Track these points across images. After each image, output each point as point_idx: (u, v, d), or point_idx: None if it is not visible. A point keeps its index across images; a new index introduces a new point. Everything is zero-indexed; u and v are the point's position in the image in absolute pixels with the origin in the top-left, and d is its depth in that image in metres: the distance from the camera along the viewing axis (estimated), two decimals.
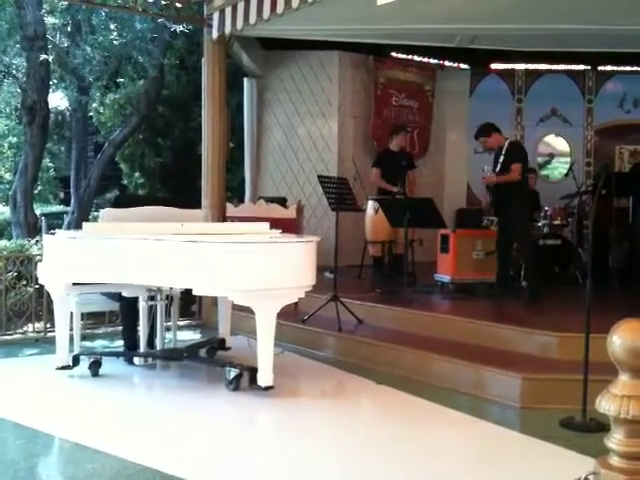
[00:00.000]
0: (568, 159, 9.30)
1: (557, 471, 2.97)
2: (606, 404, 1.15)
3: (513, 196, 5.97)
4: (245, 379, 4.37)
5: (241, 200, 9.10)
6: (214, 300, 5.82)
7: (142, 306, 4.73)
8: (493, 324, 5.21)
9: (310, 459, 3.38)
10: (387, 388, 4.59)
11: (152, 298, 4.75)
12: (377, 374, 4.86)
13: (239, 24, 6.06)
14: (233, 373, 4.38)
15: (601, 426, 3.51)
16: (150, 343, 4.89)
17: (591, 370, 3.73)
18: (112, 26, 9.55)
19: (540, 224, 7.04)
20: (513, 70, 9.59)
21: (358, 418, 4.14)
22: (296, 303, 5.76)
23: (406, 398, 4.40)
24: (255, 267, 4.09)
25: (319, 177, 6.19)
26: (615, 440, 1.15)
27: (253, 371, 4.27)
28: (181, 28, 8.97)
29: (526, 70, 9.56)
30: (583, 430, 3.68)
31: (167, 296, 4.93)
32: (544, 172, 9.34)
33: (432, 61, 9.36)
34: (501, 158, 5.98)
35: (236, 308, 5.05)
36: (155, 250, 4.23)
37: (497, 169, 6.05)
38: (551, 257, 7.09)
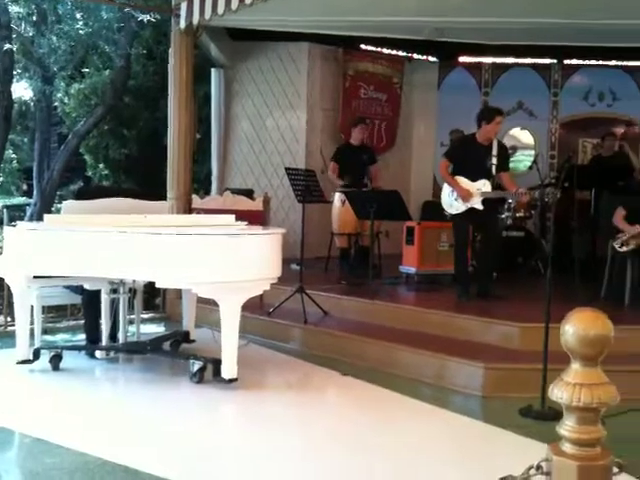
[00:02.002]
0: (533, 152, 9.40)
1: (516, 458, 2.97)
2: (559, 392, 1.17)
3: (498, 205, 5.98)
4: (209, 372, 4.35)
5: (208, 192, 9.04)
6: (178, 293, 5.78)
7: (104, 299, 4.67)
8: (457, 315, 5.28)
9: (275, 451, 3.37)
10: (352, 379, 4.61)
11: (114, 291, 4.70)
12: (343, 365, 4.88)
13: (207, 14, 6.01)
14: (197, 366, 4.36)
15: (559, 414, 3.52)
16: (113, 336, 4.83)
17: (550, 359, 3.79)
18: (78, 15, 9.40)
19: (504, 216, 7.11)
20: (480, 63, 9.65)
21: (323, 409, 4.14)
22: (262, 295, 5.75)
23: (371, 389, 4.44)
24: (218, 259, 4.06)
25: (286, 169, 6.18)
26: (567, 427, 1.17)
27: (217, 363, 4.25)
28: (148, 18, 8.83)
29: (493, 64, 9.63)
30: (541, 418, 3.75)
31: (130, 289, 4.87)
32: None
33: (401, 53, 9.38)
34: (493, 159, 5.65)
35: (201, 301, 5.03)
36: (117, 242, 4.17)
37: (492, 171, 5.66)
38: (515, 248, 7.19)
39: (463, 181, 5.66)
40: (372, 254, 6.26)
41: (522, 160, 9.55)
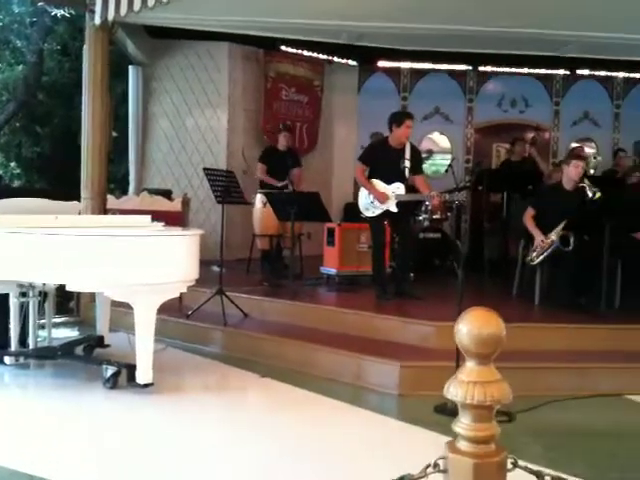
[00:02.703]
0: (449, 156, 9.67)
1: (430, 455, 3.08)
2: (454, 390, 1.19)
3: (412, 208, 6.12)
4: (123, 377, 4.24)
5: (125, 192, 8.81)
6: (92, 296, 5.60)
7: (13, 303, 4.50)
8: (375, 315, 5.35)
9: (190, 453, 3.32)
10: (271, 381, 4.61)
11: (24, 294, 4.52)
12: (262, 367, 4.86)
13: (122, 10, 5.84)
14: (110, 371, 4.24)
15: None
16: (22, 341, 4.64)
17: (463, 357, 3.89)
18: None
19: (421, 218, 7.28)
20: (399, 68, 9.86)
21: (241, 411, 4.11)
22: (181, 297, 5.69)
23: (289, 389, 4.45)
24: (130, 261, 3.95)
25: (205, 169, 6.10)
26: (462, 425, 1.20)
27: (132, 368, 4.16)
28: (62, 13, 8.53)
29: (411, 69, 9.86)
30: (456, 415, 3.82)
31: (40, 292, 4.69)
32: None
33: (321, 56, 9.44)
34: (406, 162, 5.73)
35: (116, 304, 4.88)
36: (25, 244, 4.00)
37: (406, 174, 5.74)
38: (431, 250, 7.37)
39: (378, 184, 5.77)
40: (292, 255, 6.27)
41: (437, 164, 9.82)
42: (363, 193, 5.85)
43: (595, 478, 3.04)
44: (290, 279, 6.11)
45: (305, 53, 9.24)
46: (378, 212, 5.76)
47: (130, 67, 8.76)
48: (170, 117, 8.82)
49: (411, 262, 6.38)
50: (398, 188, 5.71)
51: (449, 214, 7.69)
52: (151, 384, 4.15)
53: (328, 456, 3.34)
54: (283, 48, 8.98)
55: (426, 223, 7.41)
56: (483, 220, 8.05)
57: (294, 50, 9.09)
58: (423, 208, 7.38)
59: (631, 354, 4.73)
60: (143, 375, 4.12)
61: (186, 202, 6.67)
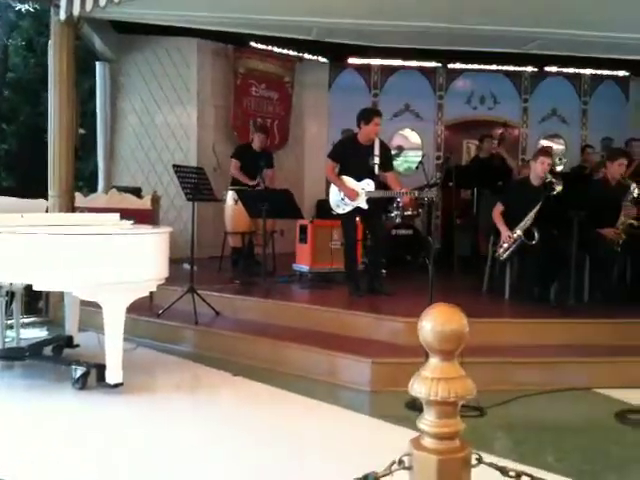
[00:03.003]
0: (420, 152, 9.71)
1: (401, 451, 3.10)
2: (418, 387, 1.19)
3: (383, 204, 6.11)
4: (93, 377, 4.18)
5: (94, 190, 8.69)
6: (61, 295, 5.51)
7: None
8: (348, 312, 5.34)
9: (163, 454, 3.29)
10: (243, 379, 4.58)
11: None
12: (234, 366, 4.83)
13: (88, 6, 5.78)
14: (79, 371, 4.18)
15: None
16: None
17: None
18: None
19: (392, 215, 7.31)
20: (369, 65, 9.87)
21: (213, 410, 4.06)
22: (151, 296, 5.62)
23: (262, 388, 4.43)
24: (99, 260, 3.89)
25: (174, 166, 6.03)
26: (427, 422, 1.20)
27: (101, 368, 4.11)
28: (27, 7, 8.37)
29: (381, 66, 9.87)
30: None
31: (7, 292, 4.60)
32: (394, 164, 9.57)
33: (291, 53, 9.41)
34: (376, 159, 5.68)
35: (85, 303, 4.80)
36: None
37: (375, 171, 5.70)
38: (403, 246, 7.40)
39: (349, 181, 5.76)
40: (264, 253, 6.25)
41: (408, 160, 9.86)
42: (334, 190, 5.85)
43: (566, 471, 3.07)
44: (262, 277, 6.09)
45: (275, 50, 9.20)
46: (349, 209, 5.76)
47: (97, 63, 8.63)
48: (139, 113, 8.72)
49: (383, 258, 6.40)
50: (368, 185, 5.71)
51: (420, 210, 7.74)
52: (121, 384, 4.11)
53: (300, 452, 3.34)
54: (253, 44, 8.92)
55: (398, 219, 7.44)
56: (454, 216, 8.11)
57: (264, 46, 9.04)
58: (395, 205, 7.41)
59: (599, 348, 4.81)
60: (113, 375, 4.07)
61: (156, 200, 6.60)
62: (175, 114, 8.65)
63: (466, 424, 3.75)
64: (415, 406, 3.90)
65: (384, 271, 6.53)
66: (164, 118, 8.67)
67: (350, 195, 5.69)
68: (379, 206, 6.06)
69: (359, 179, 5.73)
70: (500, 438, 3.64)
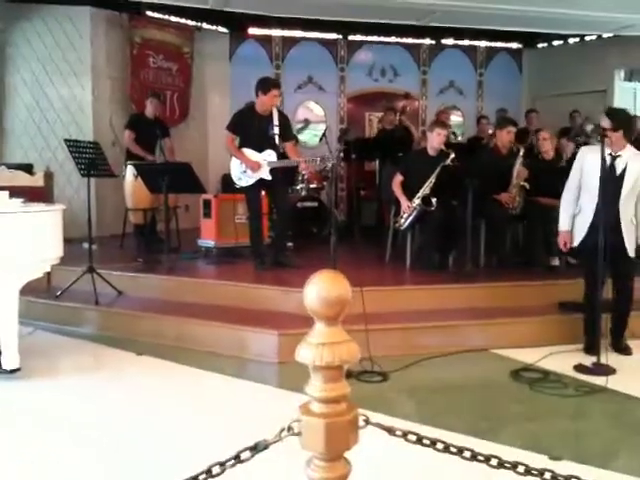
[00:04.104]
0: (324, 125, 9.74)
1: None
2: (304, 353, 1.20)
3: (290, 172, 6.05)
4: None
5: None
6: None
7: None
8: (254, 286, 5.35)
9: (66, 438, 3.19)
10: (149, 358, 4.51)
11: None
12: (139, 345, 4.75)
13: None
14: None
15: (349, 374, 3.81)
16: None
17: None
18: None
19: (298, 188, 7.32)
20: (270, 36, 9.77)
21: (117, 390, 3.96)
22: (49, 277, 5.41)
23: (168, 366, 4.38)
24: None
25: (66, 141, 5.76)
26: (314, 387, 1.21)
27: None
28: None
29: (283, 37, 9.78)
30: None
31: None
32: (301, 138, 9.54)
33: (190, 22, 9.15)
34: (275, 129, 5.65)
35: None
36: None
37: (276, 141, 5.67)
38: (309, 218, 7.44)
39: (249, 152, 5.69)
40: (167, 229, 6.12)
41: (315, 133, 9.87)
42: (235, 163, 5.76)
43: (465, 429, 3.21)
44: (166, 253, 5.96)
45: (172, 19, 8.92)
46: (252, 181, 5.70)
47: None
48: (29, 86, 8.26)
49: (290, 231, 6.41)
50: (270, 155, 5.67)
51: (325, 183, 7.79)
52: (18, 369, 3.96)
53: (204, 426, 3.34)
54: (149, 13, 8.61)
55: (303, 192, 7.47)
56: (359, 188, 8.23)
57: (160, 15, 8.74)
58: (300, 178, 7.43)
59: (495, 310, 5.04)
60: (9, 360, 3.93)
61: (50, 177, 6.30)
62: (68, 86, 8.25)
63: (370, 389, 3.86)
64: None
65: (290, 244, 6.55)
66: (57, 91, 8.26)
67: (252, 166, 5.63)
68: (284, 177, 6.03)
69: (260, 150, 5.67)
70: (402, 401, 3.76)
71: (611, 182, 4.28)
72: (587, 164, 4.44)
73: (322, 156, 5.68)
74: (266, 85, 5.67)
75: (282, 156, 5.81)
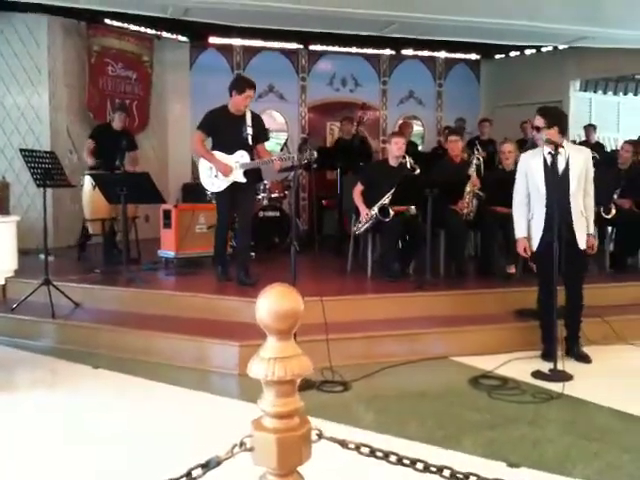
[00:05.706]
0: (285, 134, 9.75)
1: None
2: (256, 368, 1.19)
3: (257, 178, 5.94)
4: None
5: None
6: None
7: None
8: (216, 297, 5.31)
9: (23, 454, 3.10)
10: (105, 371, 4.44)
11: None
12: (96, 358, 4.68)
13: None
14: None
15: (311, 384, 3.81)
16: None
17: (299, 332, 3.96)
18: None
19: (260, 197, 7.29)
20: (231, 45, 9.75)
21: (72, 405, 3.88)
22: (4, 290, 5.29)
23: (125, 379, 4.31)
24: None
25: (21, 151, 5.65)
26: (266, 402, 1.20)
27: None
28: None
29: (244, 46, 9.78)
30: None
31: None
32: None
33: (149, 31, 9.07)
34: (249, 130, 5.42)
35: None
36: None
37: (249, 142, 5.42)
38: (271, 228, 7.41)
39: (220, 155, 5.44)
40: (126, 240, 6.03)
41: (273, 142, 9.86)
42: (204, 168, 5.48)
43: (425, 438, 3.23)
44: (124, 264, 5.87)
45: (132, 27, 8.83)
46: (224, 186, 5.44)
47: None
48: None
49: (250, 241, 6.35)
50: (242, 157, 5.41)
51: (287, 192, 7.77)
52: None
53: (158, 441, 3.29)
54: (107, 21, 8.51)
55: (265, 202, 7.44)
56: (321, 197, 8.24)
57: (119, 23, 8.64)
58: (262, 187, 7.40)
59: (454, 318, 5.10)
60: None
61: (5, 186, 6.16)
62: (25, 95, 8.10)
63: (331, 399, 3.85)
64: None
65: (252, 254, 6.50)
66: (13, 100, 8.10)
67: (223, 170, 5.36)
68: (252, 182, 5.75)
69: (232, 152, 5.42)
70: (363, 410, 3.76)
71: (557, 178, 4.34)
72: (530, 168, 4.52)
73: (295, 156, 5.40)
74: (241, 85, 5.42)
75: (253, 157, 5.62)
